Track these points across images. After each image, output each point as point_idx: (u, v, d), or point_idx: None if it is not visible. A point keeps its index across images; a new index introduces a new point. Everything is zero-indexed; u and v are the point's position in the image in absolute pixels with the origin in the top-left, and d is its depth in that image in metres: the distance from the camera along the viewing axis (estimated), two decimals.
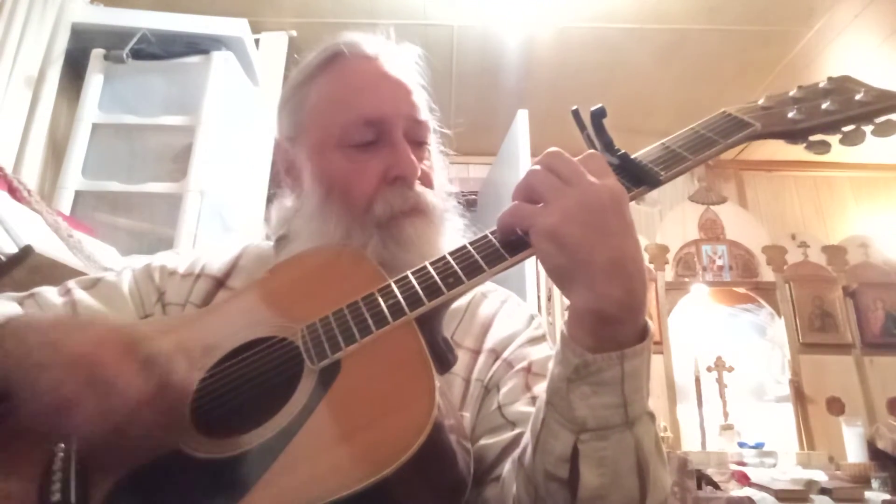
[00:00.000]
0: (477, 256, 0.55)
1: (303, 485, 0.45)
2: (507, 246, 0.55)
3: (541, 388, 0.56)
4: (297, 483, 0.45)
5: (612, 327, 0.49)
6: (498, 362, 0.71)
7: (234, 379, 0.58)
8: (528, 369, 0.68)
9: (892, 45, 2.67)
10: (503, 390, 0.67)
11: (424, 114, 0.76)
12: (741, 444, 2.83)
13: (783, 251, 3.34)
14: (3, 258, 1.09)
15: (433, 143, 0.80)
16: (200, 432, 0.53)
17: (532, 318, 0.78)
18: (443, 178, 0.80)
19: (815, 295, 3.25)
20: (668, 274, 3.31)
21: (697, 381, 3.14)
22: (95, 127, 1.96)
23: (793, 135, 0.63)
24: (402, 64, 0.78)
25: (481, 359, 0.71)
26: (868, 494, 2.37)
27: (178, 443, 0.52)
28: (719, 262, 3.33)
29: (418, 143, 0.75)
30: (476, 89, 3.06)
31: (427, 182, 0.75)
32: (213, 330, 0.65)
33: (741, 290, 3.31)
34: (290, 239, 0.79)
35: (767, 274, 3.30)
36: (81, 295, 0.74)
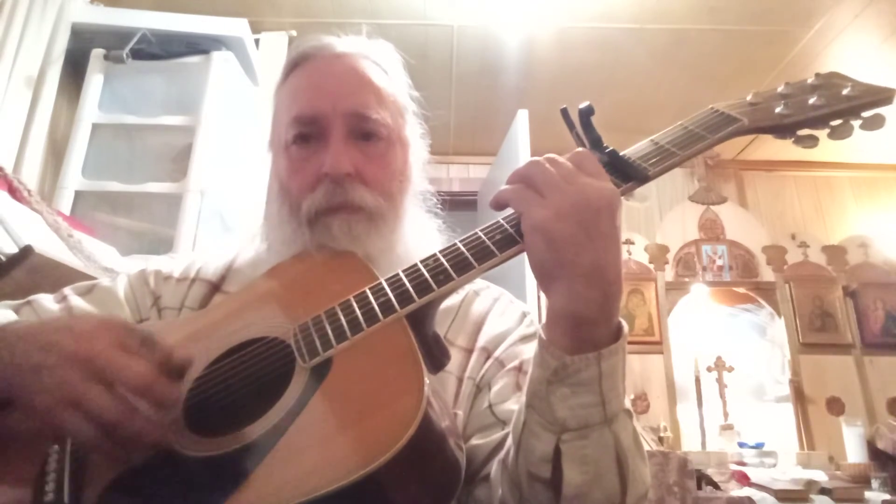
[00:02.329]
0: (467, 253, 0.56)
1: (293, 480, 0.45)
2: (497, 243, 0.55)
3: None
4: (287, 478, 0.46)
5: (588, 328, 0.50)
6: (490, 361, 0.71)
7: (226, 379, 0.58)
8: (519, 368, 0.69)
9: (892, 46, 2.67)
10: (494, 389, 0.68)
11: (375, 109, 0.74)
12: (741, 444, 2.83)
13: (783, 251, 3.33)
14: (3, 258, 1.09)
15: (409, 140, 0.79)
16: (193, 431, 0.54)
17: (524, 315, 0.78)
18: (413, 174, 0.79)
19: (815, 295, 3.24)
20: (668, 274, 3.31)
21: (697, 381, 3.14)
22: (95, 127, 1.97)
23: (781, 129, 0.63)
24: (360, 62, 0.77)
25: (474, 357, 0.72)
26: (868, 494, 2.37)
27: (171, 442, 0.52)
28: (719, 262, 3.32)
29: (365, 138, 0.73)
30: (476, 89, 3.06)
31: (369, 178, 0.72)
32: (207, 332, 0.66)
33: (741, 290, 3.30)
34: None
35: (767, 274, 3.30)
36: (77, 301, 0.75)
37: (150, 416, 0.49)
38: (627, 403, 0.54)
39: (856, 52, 2.71)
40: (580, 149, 0.55)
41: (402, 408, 0.46)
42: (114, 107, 2.01)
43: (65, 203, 1.85)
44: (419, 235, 0.76)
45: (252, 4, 2.46)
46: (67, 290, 0.76)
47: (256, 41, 2.37)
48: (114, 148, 1.99)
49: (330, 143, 0.71)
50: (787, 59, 2.78)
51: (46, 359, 0.50)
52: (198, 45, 2.08)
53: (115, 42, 2.00)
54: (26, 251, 1.08)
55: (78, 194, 1.90)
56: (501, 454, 0.59)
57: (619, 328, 0.52)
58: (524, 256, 0.53)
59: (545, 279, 0.51)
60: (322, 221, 0.70)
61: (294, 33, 2.55)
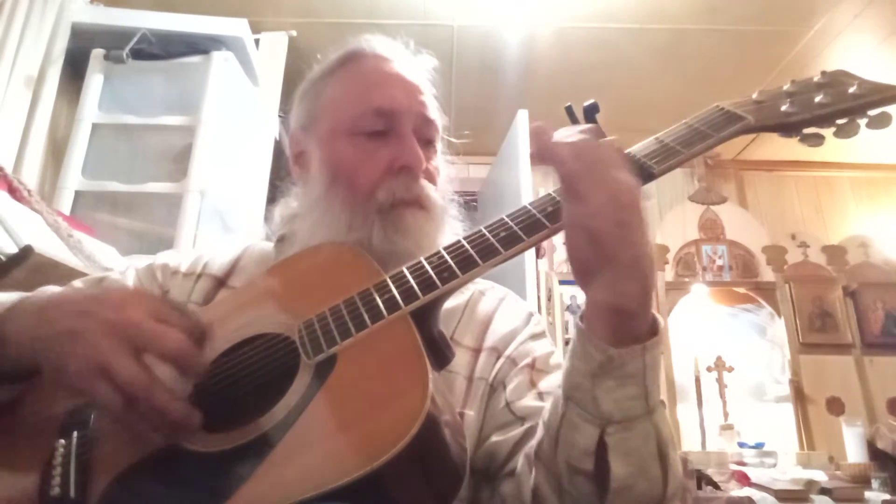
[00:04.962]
0: (471, 251, 0.56)
1: (298, 476, 0.45)
2: (502, 240, 0.55)
3: (546, 384, 0.57)
4: (292, 474, 0.46)
5: (629, 321, 0.50)
6: (501, 360, 0.72)
7: (231, 375, 0.58)
8: (532, 366, 0.70)
9: (891, 46, 2.67)
10: (509, 387, 0.68)
11: (434, 115, 0.79)
12: (741, 444, 2.82)
13: (783, 251, 3.33)
14: (3, 258, 1.09)
15: (439, 149, 0.82)
16: (198, 427, 0.54)
17: (530, 315, 0.79)
18: (446, 183, 0.82)
19: (815, 295, 3.24)
20: (668, 274, 3.31)
21: (697, 381, 3.14)
22: (95, 127, 1.96)
23: (786, 128, 0.63)
24: (417, 69, 0.81)
25: (482, 357, 0.72)
26: (868, 494, 2.37)
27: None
28: (719, 262, 3.32)
29: (426, 142, 0.77)
30: (476, 89, 3.06)
31: (431, 180, 0.76)
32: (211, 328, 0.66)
33: (741, 290, 3.30)
34: (290, 239, 0.80)
35: (767, 274, 3.30)
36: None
37: (176, 393, 0.50)
38: (662, 395, 0.55)
39: (856, 52, 2.71)
40: (611, 138, 0.55)
41: (407, 404, 0.46)
42: (114, 107, 2.00)
43: (65, 203, 1.85)
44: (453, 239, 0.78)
45: (252, 4, 2.46)
46: (77, 283, 0.77)
47: (256, 41, 2.37)
48: (114, 148, 1.99)
49: (405, 137, 0.74)
50: (787, 59, 2.78)
51: (83, 324, 0.51)
52: (198, 45, 2.08)
53: (115, 42, 1.99)
54: (26, 251, 1.08)
55: (78, 194, 1.89)
56: (529, 447, 0.60)
57: (655, 321, 0.53)
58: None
59: (586, 275, 0.51)
60: (396, 211, 0.72)
61: (294, 33, 2.55)
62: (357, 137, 0.75)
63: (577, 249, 0.51)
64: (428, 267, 0.57)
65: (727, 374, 3.11)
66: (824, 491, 2.34)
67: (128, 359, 0.49)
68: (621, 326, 0.50)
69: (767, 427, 3.02)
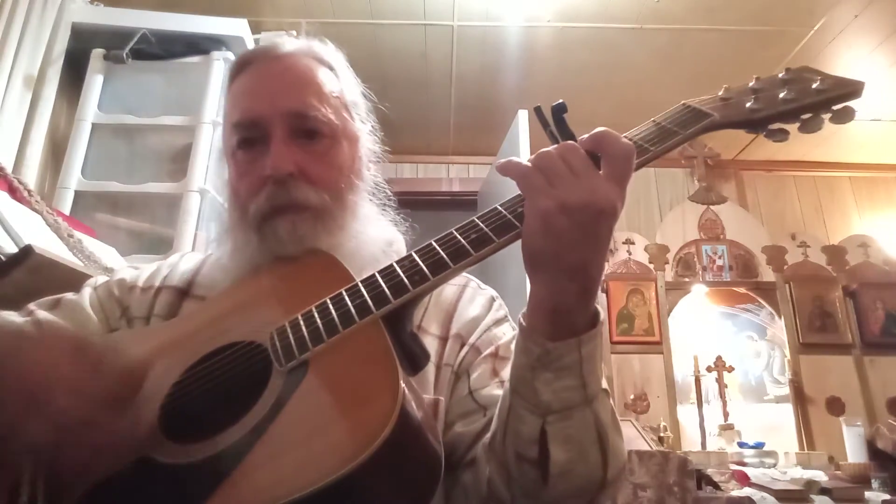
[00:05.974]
0: (442, 253, 0.56)
1: (269, 483, 0.45)
2: (472, 242, 0.56)
3: (507, 372, 0.59)
4: (263, 482, 0.46)
5: (566, 316, 0.53)
6: (465, 348, 0.72)
7: (203, 384, 0.58)
8: (495, 354, 0.71)
9: (891, 46, 2.67)
10: (473, 376, 0.70)
11: (315, 107, 0.73)
12: (741, 444, 2.82)
13: (783, 251, 3.33)
14: (3, 258, 1.09)
15: (357, 136, 0.79)
16: (170, 438, 0.53)
17: (493, 299, 0.80)
18: (362, 170, 0.79)
19: (815, 295, 3.24)
20: (668, 274, 3.30)
21: (697, 381, 3.13)
22: (95, 127, 1.97)
23: (751, 124, 0.64)
24: (300, 61, 0.77)
25: (449, 344, 0.73)
26: (868, 494, 2.37)
27: (147, 450, 0.52)
28: (719, 262, 3.32)
29: (306, 134, 0.73)
30: (476, 89, 3.05)
31: (314, 176, 0.72)
32: (183, 339, 0.65)
33: (741, 290, 3.30)
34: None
35: (767, 274, 3.29)
36: (45, 315, 0.73)
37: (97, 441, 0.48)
38: (604, 384, 0.57)
39: (855, 53, 2.71)
40: (569, 144, 0.54)
41: (378, 408, 0.46)
42: (114, 107, 2.01)
43: (65, 203, 1.85)
44: (371, 230, 0.76)
45: (252, 4, 2.47)
46: (32, 306, 0.75)
47: (256, 41, 2.37)
48: (114, 148, 1.99)
49: (271, 145, 0.71)
50: (787, 59, 2.78)
51: None
52: (198, 45, 2.08)
53: (115, 42, 2.00)
54: (26, 251, 1.07)
55: (78, 194, 1.90)
56: (487, 437, 0.61)
57: (596, 314, 0.54)
58: (510, 259, 0.53)
59: (533, 265, 0.53)
60: (269, 224, 0.70)
61: (294, 33, 2.54)
62: (237, 154, 0.74)
63: (532, 237, 0.52)
64: (399, 271, 0.57)
65: (727, 374, 3.11)
66: (824, 491, 2.34)
67: (43, 412, 0.46)
68: (558, 321, 0.53)
69: (767, 427, 3.01)
